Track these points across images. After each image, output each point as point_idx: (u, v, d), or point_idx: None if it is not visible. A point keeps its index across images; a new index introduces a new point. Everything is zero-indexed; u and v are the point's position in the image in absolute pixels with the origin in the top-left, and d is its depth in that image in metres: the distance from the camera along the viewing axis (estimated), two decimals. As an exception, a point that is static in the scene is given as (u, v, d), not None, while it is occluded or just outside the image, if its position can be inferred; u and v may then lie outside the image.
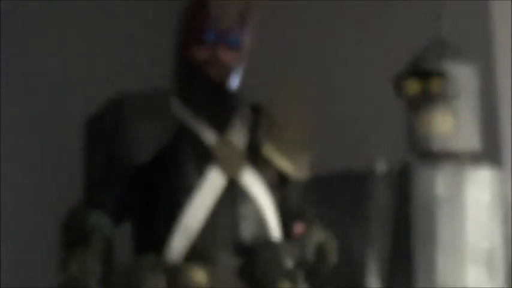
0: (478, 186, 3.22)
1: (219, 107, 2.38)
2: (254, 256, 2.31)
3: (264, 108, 2.53)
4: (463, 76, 3.28)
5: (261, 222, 2.37)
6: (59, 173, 3.59)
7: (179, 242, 2.28)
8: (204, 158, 2.34)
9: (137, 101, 2.41)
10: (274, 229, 2.45)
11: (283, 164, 2.44)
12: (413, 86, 3.25)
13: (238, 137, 2.42)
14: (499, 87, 4.16)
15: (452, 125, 3.25)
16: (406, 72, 3.28)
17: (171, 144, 2.32)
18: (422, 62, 3.28)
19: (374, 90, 3.80)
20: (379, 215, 3.06)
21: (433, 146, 3.23)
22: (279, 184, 2.49)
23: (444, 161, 3.26)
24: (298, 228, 2.50)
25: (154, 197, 2.33)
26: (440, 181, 3.20)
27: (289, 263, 2.37)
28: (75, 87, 4.07)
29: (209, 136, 2.37)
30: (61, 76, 4.10)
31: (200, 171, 2.32)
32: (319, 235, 2.60)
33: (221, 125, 2.39)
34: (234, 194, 2.34)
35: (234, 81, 2.41)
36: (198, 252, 2.29)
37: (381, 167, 3.19)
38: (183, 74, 2.40)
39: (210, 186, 2.30)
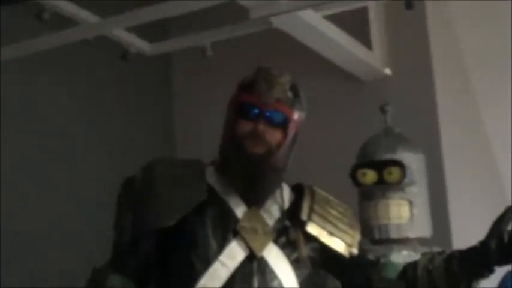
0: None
1: (254, 181, 2.35)
2: None
3: (308, 188, 2.50)
4: (415, 164, 3.37)
5: None
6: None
7: None
8: (229, 229, 2.30)
9: (170, 166, 2.43)
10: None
11: (334, 242, 2.41)
12: (369, 176, 3.32)
13: (270, 213, 2.39)
14: (447, 173, 4.27)
15: (409, 213, 3.32)
16: (362, 163, 3.35)
17: (199, 211, 2.30)
18: (377, 152, 3.35)
19: (326, 179, 3.89)
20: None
21: (390, 234, 3.30)
22: (319, 262, 2.44)
23: (399, 246, 3.31)
24: None
25: (174, 264, 2.32)
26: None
27: None
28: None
29: (239, 208, 2.34)
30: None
31: (223, 243, 2.29)
32: None
33: (254, 200, 2.36)
34: (253, 269, 2.31)
35: (277, 160, 2.37)
36: None
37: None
38: (224, 145, 2.39)
39: (230, 258, 2.26)
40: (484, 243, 2.23)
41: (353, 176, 3.36)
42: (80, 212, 4.31)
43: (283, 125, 2.35)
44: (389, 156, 3.32)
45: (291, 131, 2.37)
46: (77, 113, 4.49)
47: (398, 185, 3.29)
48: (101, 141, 4.58)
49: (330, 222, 2.47)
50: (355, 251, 2.46)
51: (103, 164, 4.48)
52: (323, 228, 2.44)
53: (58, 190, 4.29)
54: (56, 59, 4.29)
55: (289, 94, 2.36)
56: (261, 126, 2.33)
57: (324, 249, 2.44)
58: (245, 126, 2.34)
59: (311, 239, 2.41)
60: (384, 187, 3.31)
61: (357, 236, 2.50)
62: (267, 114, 2.34)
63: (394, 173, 3.29)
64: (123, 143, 4.68)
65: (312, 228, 2.41)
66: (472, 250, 2.27)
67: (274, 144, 2.35)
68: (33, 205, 4.16)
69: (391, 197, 3.32)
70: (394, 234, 3.31)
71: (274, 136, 2.35)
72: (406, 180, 3.30)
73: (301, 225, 2.41)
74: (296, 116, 2.37)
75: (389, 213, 3.31)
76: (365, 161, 3.35)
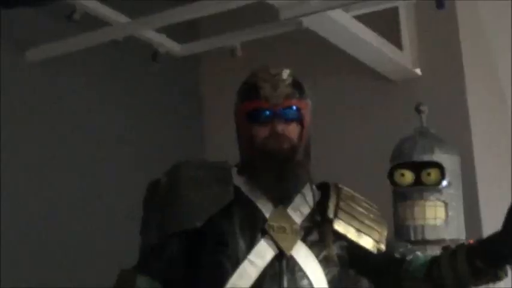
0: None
1: (281, 180, 2.35)
2: None
3: (334, 186, 2.50)
4: (451, 166, 3.35)
5: None
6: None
7: None
8: (258, 229, 2.31)
9: (195, 168, 2.43)
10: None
11: (362, 240, 2.41)
12: (407, 177, 3.30)
13: (297, 211, 2.39)
14: (478, 174, 4.24)
15: (445, 214, 3.30)
16: (400, 163, 3.33)
17: (226, 212, 2.31)
18: (414, 153, 3.33)
19: (359, 179, 3.87)
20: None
21: (425, 235, 3.28)
22: (347, 261, 2.44)
23: (433, 247, 3.29)
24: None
25: (203, 264, 2.31)
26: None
27: None
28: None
29: (266, 208, 2.35)
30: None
31: (251, 242, 2.29)
32: None
33: (281, 198, 2.36)
34: (283, 268, 2.30)
35: (301, 154, 2.37)
36: None
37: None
38: (245, 149, 2.39)
39: (259, 257, 2.26)
40: (504, 231, 2.19)
41: (391, 176, 3.34)
42: (107, 214, 4.30)
43: (298, 118, 2.37)
44: (427, 157, 3.30)
45: (307, 121, 2.39)
46: (106, 114, 4.48)
47: (436, 187, 3.27)
48: (129, 143, 4.57)
49: (356, 219, 2.46)
50: (383, 247, 2.45)
51: (133, 165, 4.47)
52: (350, 225, 2.43)
53: (87, 192, 4.29)
54: (85, 60, 4.30)
55: (294, 87, 2.38)
56: (279, 126, 2.34)
57: (352, 246, 2.43)
58: (263, 131, 2.35)
59: (339, 237, 2.41)
60: (421, 188, 3.29)
61: (384, 232, 2.50)
62: (280, 113, 2.35)
63: (432, 175, 3.28)
64: (153, 144, 4.67)
65: (340, 226, 2.41)
66: (492, 239, 2.24)
67: (295, 139, 2.36)
68: (61, 208, 4.15)
69: (427, 199, 3.30)
70: (429, 236, 3.29)
71: (293, 131, 2.37)
72: (444, 182, 3.28)
73: (329, 223, 2.40)
74: (306, 105, 2.40)
75: (426, 215, 3.30)
76: (403, 161, 3.33)
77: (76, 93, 4.34)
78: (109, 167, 4.42)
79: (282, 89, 2.37)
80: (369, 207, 2.53)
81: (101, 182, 4.35)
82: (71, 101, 4.31)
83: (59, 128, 4.23)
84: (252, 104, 2.37)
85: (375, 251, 2.44)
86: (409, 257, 2.43)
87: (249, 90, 2.39)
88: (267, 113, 2.35)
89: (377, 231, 2.48)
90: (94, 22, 3.99)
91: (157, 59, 4.24)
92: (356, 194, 2.54)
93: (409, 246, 2.52)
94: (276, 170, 2.35)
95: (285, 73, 2.40)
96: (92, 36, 3.99)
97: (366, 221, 2.48)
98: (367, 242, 2.44)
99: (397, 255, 2.45)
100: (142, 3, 4.12)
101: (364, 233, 2.45)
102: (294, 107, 2.37)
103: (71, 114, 4.30)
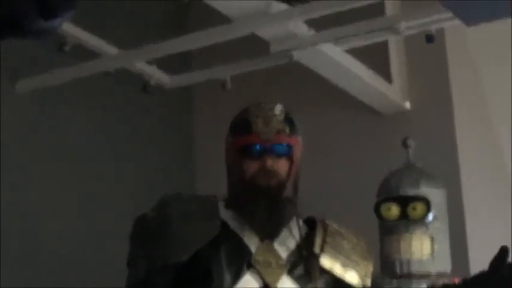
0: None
1: (268, 215, 2.36)
2: None
3: (320, 221, 2.51)
4: (437, 200, 3.36)
5: None
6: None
7: None
8: (243, 263, 2.31)
9: (182, 203, 2.43)
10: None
11: (348, 275, 2.42)
12: (393, 211, 3.32)
13: (283, 245, 2.39)
14: (466, 208, 4.26)
15: (430, 248, 3.31)
16: (387, 197, 3.34)
17: (213, 246, 2.31)
18: (400, 187, 3.35)
19: (345, 212, 3.89)
20: None
21: (412, 269, 3.28)
22: None
23: (419, 281, 3.29)
24: None
25: None
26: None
27: None
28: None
29: (252, 242, 2.35)
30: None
31: (237, 276, 2.30)
32: None
33: (267, 233, 2.36)
34: None
35: (289, 190, 2.39)
36: None
37: None
38: (234, 183, 2.40)
39: None
40: (490, 272, 2.23)
41: (377, 210, 3.35)
42: (97, 242, 4.30)
43: (288, 154, 2.38)
44: (413, 191, 3.31)
45: (296, 157, 2.40)
46: (97, 145, 4.50)
47: (422, 221, 3.28)
48: (119, 174, 4.58)
49: (343, 254, 2.47)
50: (368, 282, 2.46)
51: (122, 195, 4.48)
52: (336, 260, 2.44)
53: (77, 218, 4.29)
54: (76, 91, 4.32)
55: (286, 123, 2.39)
56: (269, 161, 2.35)
57: (337, 282, 2.43)
58: (253, 166, 2.36)
59: (323, 271, 2.41)
60: (407, 222, 3.30)
61: (370, 267, 2.50)
62: (271, 148, 2.36)
63: (418, 209, 3.28)
64: (143, 175, 4.68)
65: (326, 261, 2.41)
66: (478, 278, 2.27)
67: (284, 174, 2.37)
68: (50, 235, 4.15)
69: (413, 232, 3.30)
70: (415, 269, 3.29)
71: (282, 167, 2.37)
72: (430, 216, 3.29)
73: (315, 258, 2.41)
74: (297, 141, 2.41)
75: (412, 248, 3.29)
76: (389, 195, 3.34)
77: (67, 125, 4.36)
78: (97, 201, 4.43)
79: (274, 125, 2.38)
80: (356, 241, 2.53)
81: (89, 215, 4.35)
82: (61, 132, 4.33)
83: (46, 160, 4.25)
84: (244, 139, 2.38)
85: (360, 286, 2.46)
86: None
87: (241, 125, 2.41)
88: (258, 147, 2.36)
89: (363, 266, 2.49)
90: (85, 53, 4.01)
91: (148, 90, 4.26)
92: (343, 229, 2.55)
93: (394, 283, 2.53)
94: (264, 206, 2.36)
95: (278, 108, 2.41)
96: (83, 67, 4.02)
97: (353, 256, 2.48)
98: (352, 278, 2.44)
99: None
100: (133, 34, 4.15)
101: (350, 268, 2.46)
102: (285, 143, 2.38)
103: (60, 145, 4.32)
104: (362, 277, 2.46)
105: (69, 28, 3.78)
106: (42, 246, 4.09)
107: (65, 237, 4.19)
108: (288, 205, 2.40)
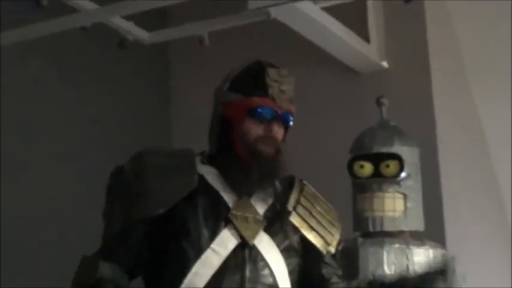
0: (420, 265, 3.28)
1: (269, 180, 2.35)
2: None
3: (299, 181, 2.52)
4: (410, 158, 3.37)
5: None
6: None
7: None
8: (221, 218, 2.32)
9: (160, 156, 2.43)
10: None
11: (313, 237, 2.44)
12: (366, 169, 3.32)
13: (260, 201, 2.39)
14: (442, 167, 4.28)
15: (403, 206, 3.33)
16: (359, 155, 3.35)
17: (189, 200, 2.31)
18: (374, 145, 3.35)
19: (319, 170, 3.91)
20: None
21: (384, 227, 3.30)
22: (301, 251, 2.47)
23: (391, 239, 3.32)
24: None
25: (166, 252, 2.32)
26: (387, 259, 3.26)
27: None
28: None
29: (230, 197, 2.36)
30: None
31: (214, 231, 2.31)
32: None
33: (246, 190, 2.37)
34: (245, 256, 2.32)
35: (282, 158, 2.37)
36: None
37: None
38: (233, 142, 2.38)
39: (222, 246, 2.29)
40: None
41: (350, 167, 3.36)
42: (77, 205, 4.29)
43: (289, 123, 2.41)
44: (386, 149, 3.32)
45: (291, 126, 2.43)
46: (72, 100, 4.49)
47: (395, 179, 3.30)
48: (95, 129, 4.57)
49: (313, 217, 2.50)
50: (332, 250, 2.52)
51: (97, 153, 4.47)
52: (305, 221, 2.48)
53: (52, 181, 4.29)
54: (53, 46, 4.29)
55: (294, 92, 2.42)
56: (275, 128, 2.36)
57: (304, 241, 2.47)
58: (258, 129, 2.36)
59: (295, 229, 2.45)
60: (380, 180, 3.31)
61: (337, 236, 2.55)
62: (282, 116, 2.38)
63: (391, 167, 3.29)
64: (119, 132, 4.68)
65: (295, 219, 2.45)
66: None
67: (281, 142, 2.40)
68: (32, 203, 4.15)
69: (386, 190, 3.31)
70: (387, 227, 3.31)
71: (281, 134, 2.40)
72: (403, 174, 3.31)
73: (287, 214, 2.44)
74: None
75: (384, 206, 3.31)
76: (362, 153, 3.35)
77: (43, 79, 4.35)
78: (75, 154, 4.42)
79: (288, 93, 2.39)
80: (328, 209, 2.58)
81: (66, 168, 4.35)
82: (37, 87, 4.32)
83: (25, 112, 4.24)
84: (259, 100, 2.36)
85: (324, 251, 2.50)
86: (332, 281, 2.54)
87: (256, 85, 2.38)
88: (272, 112, 2.36)
89: (330, 233, 2.53)
90: (62, 8, 3.98)
91: (125, 46, 4.24)
92: (318, 195, 2.58)
93: (339, 272, 2.58)
94: (266, 172, 2.37)
95: (291, 77, 2.42)
96: (60, 22, 3.98)
97: (322, 221, 2.53)
98: (317, 241, 2.49)
99: (324, 271, 2.54)
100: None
101: (317, 232, 2.50)
102: (291, 113, 2.41)
103: (37, 100, 4.31)
104: (327, 243, 2.51)
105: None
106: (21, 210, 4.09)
107: (43, 199, 4.20)
108: (282, 171, 2.41)
